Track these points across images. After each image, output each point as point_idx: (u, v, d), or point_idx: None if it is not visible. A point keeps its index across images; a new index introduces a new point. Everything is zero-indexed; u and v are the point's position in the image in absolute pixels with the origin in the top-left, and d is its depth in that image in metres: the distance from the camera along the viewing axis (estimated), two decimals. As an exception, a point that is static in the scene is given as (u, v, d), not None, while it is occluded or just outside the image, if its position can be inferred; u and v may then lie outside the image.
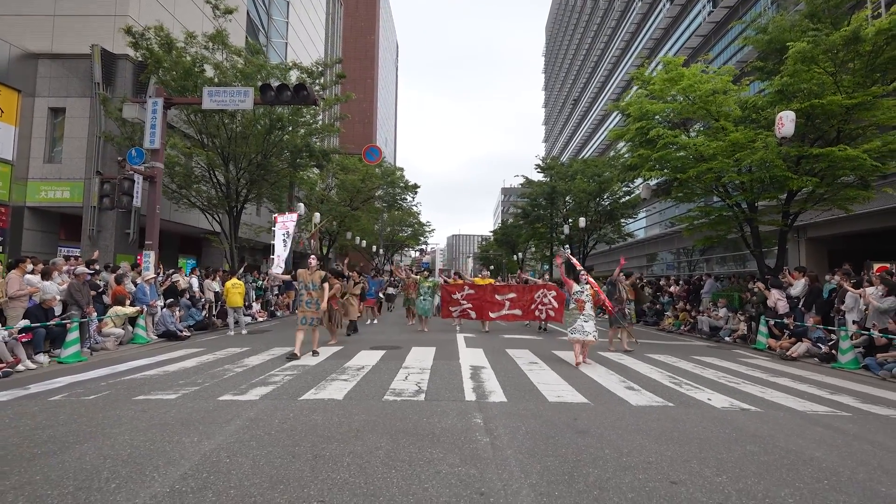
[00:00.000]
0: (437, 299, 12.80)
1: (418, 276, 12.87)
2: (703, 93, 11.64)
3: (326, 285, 7.46)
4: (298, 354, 7.27)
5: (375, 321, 13.79)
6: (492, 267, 49.15)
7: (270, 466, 3.07)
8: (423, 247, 50.09)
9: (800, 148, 10.83)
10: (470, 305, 11.62)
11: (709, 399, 5.20)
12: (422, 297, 11.82)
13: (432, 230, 43.18)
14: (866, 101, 9.73)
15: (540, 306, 11.61)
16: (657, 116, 13.13)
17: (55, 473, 2.93)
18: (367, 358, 7.55)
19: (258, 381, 5.74)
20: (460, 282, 12.72)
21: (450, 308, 11.71)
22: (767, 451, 3.56)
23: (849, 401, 5.38)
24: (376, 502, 2.59)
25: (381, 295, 14.95)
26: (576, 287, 7.44)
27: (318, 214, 21.74)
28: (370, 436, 3.71)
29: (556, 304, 11.51)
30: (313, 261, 7.42)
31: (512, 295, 11.80)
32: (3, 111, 14.81)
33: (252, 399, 4.85)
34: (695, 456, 3.37)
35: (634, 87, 15.51)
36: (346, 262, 12.83)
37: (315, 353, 7.67)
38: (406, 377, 6.05)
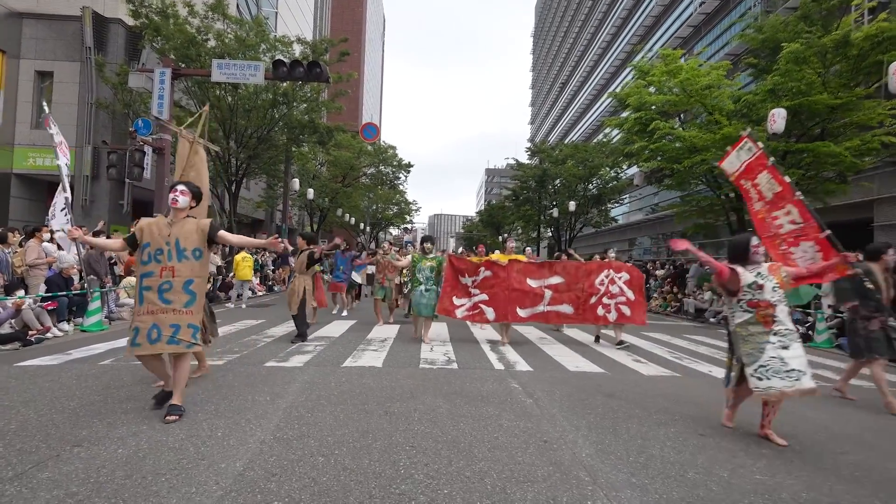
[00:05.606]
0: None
1: (412, 254, 7.77)
2: (699, 86, 12.16)
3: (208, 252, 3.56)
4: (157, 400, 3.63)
5: (345, 311, 10.17)
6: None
7: (350, 420, 3.45)
8: (409, 225, 50.14)
9: (786, 143, 11.53)
10: (485, 297, 7.13)
11: (710, 371, 5.82)
12: (421, 287, 7.09)
13: (418, 208, 43.26)
14: (850, 101, 10.41)
15: (606, 299, 7.18)
16: (653, 107, 13.62)
17: (158, 425, 3.24)
18: (386, 331, 7.93)
19: (293, 349, 6.08)
20: (473, 258, 8.26)
21: (453, 299, 7.13)
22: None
23: (826, 374, 6.08)
24: (460, 446, 3.02)
25: (355, 277, 10.67)
26: (746, 276, 3.39)
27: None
28: (425, 397, 4.13)
29: (631, 295, 7.18)
30: (181, 198, 3.44)
31: (557, 280, 7.29)
32: (-13, 72, 14.27)
33: (297, 366, 5.20)
34: (713, 415, 3.92)
35: (625, 73, 15.94)
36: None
37: (172, 412, 3.33)
38: (431, 349, 6.47)
